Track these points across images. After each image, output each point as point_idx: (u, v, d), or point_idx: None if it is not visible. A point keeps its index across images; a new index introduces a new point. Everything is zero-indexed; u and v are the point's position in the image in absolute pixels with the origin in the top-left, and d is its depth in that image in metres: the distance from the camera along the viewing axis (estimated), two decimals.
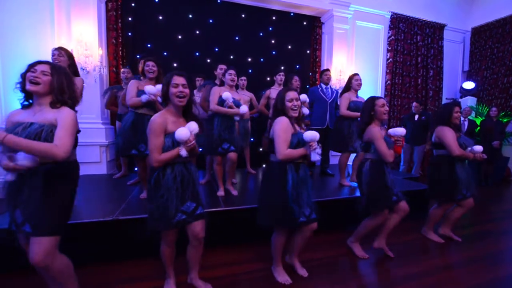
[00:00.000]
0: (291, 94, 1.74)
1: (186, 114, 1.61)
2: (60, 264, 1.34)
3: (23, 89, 1.33)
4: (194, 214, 1.56)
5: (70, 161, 1.42)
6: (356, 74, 3.29)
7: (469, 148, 2.42)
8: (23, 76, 1.32)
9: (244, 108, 2.77)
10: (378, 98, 2.14)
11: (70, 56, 2.41)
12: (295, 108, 1.74)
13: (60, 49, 2.38)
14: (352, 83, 3.24)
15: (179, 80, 1.50)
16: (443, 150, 2.44)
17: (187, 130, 1.47)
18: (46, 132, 1.26)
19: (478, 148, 2.40)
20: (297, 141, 1.72)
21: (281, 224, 1.79)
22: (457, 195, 2.42)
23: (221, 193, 2.79)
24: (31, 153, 1.20)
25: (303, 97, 3.05)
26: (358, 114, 3.01)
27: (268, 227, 1.85)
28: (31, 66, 1.32)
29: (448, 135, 2.36)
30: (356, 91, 3.27)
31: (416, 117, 4.83)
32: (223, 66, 3.49)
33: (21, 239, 1.38)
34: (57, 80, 1.34)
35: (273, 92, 3.74)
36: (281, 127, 1.70)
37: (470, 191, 2.45)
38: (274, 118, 1.78)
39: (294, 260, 2.03)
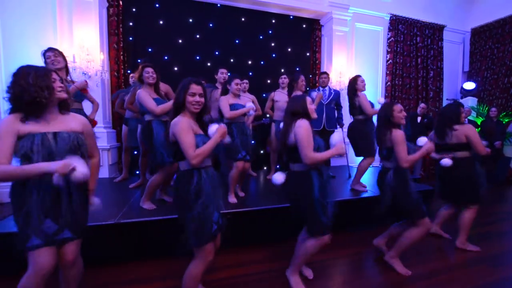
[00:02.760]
0: (309, 99, 1.79)
1: (199, 119, 1.60)
2: (80, 263, 1.47)
3: (47, 99, 1.22)
4: (220, 224, 1.56)
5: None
6: (359, 76, 3.20)
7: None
8: (51, 86, 1.23)
9: (250, 104, 2.77)
10: (396, 103, 2.10)
11: (64, 57, 2.46)
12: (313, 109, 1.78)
13: (54, 49, 2.42)
14: (358, 85, 3.13)
15: (196, 89, 1.50)
16: (465, 152, 2.39)
17: (217, 126, 1.52)
18: (77, 139, 1.32)
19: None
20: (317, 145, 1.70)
21: (319, 233, 1.73)
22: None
23: (233, 200, 2.73)
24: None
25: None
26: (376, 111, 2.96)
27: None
28: (50, 75, 1.25)
29: (476, 133, 2.33)
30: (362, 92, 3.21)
31: (419, 118, 4.79)
32: (224, 70, 3.52)
33: (44, 248, 1.27)
34: (66, 87, 1.36)
35: (277, 94, 3.75)
36: (305, 131, 1.65)
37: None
38: (290, 122, 1.73)
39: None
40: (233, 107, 2.73)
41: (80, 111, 2.65)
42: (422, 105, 4.82)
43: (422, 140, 2.08)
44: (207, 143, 1.46)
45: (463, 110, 2.42)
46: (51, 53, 2.39)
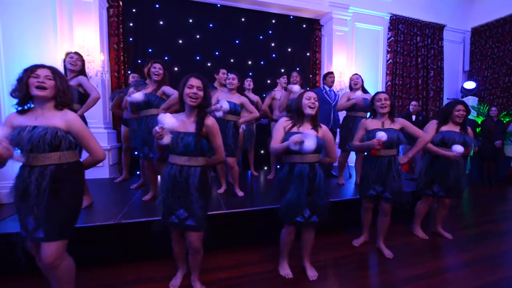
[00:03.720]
0: (310, 94, 1.83)
1: (199, 115, 1.58)
2: (66, 266, 1.40)
3: (24, 94, 1.32)
4: (185, 224, 1.60)
5: (72, 162, 1.40)
6: (355, 74, 3.44)
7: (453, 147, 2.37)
8: (24, 81, 1.31)
9: (223, 104, 2.65)
10: (378, 93, 2.27)
11: (83, 62, 2.56)
12: (312, 106, 1.80)
13: (77, 53, 2.50)
14: (350, 83, 3.44)
15: (194, 82, 1.53)
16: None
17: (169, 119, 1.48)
18: (51, 135, 1.29)
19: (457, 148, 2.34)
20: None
21: (280, 217, 1.87)
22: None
23: (220, 190, 2.97)
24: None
25: (296, 88, 2.99)
26: (349, 104, 3.23)
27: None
28: (31, 71, 1.32)
29: (429, 127, 2.53)
30: (356, 90, 3.37)
31: (414, 117, 4.78)
32: (225, 71, 3.53)
33: (29, 244, 1.40)
34: (60, 83, 1.37)
35: (277, 93, 3.76)
36: (277, 125, 1.84)
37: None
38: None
39: (304, 261, 2.05)
40: (218, 102, 2.71)
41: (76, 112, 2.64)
42: (414, 102, 4.83)
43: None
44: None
45: (458, 109, 2.42)
46: (75, 55, 2.47)
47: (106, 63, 4.03)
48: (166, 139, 1.46)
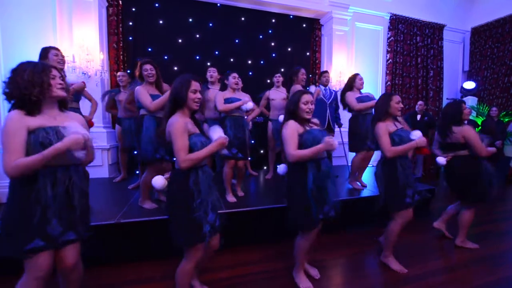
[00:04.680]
0: (307, 97, 1.74)
1: (193, 116, 1.60)
2: (81, 266, 1.41)
3: (48, 96, 1.24)
4: (215, 225, 1.52)
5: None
6: (358, 74, 3.29)
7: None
8: (47, 82, 1.22)
9: (246, 100, 2.69)
10: (394, 94, 2.12)
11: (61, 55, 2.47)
12: (309, 111, 1.74)
13: (58, 49, 2.41)
14: (356, 82, 3.21)
15: (197, 86, 1.50)
16: (465, 150, 2.35)
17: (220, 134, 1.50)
18: None
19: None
20: (311, 137, 1.69)
21: (305, 228, 1.75)
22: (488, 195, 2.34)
23: (232, 199, 2.73)
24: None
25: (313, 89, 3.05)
26: (372, 103, 2.98)
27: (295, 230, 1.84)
28: (50, 72, 1.24)
29: (474, 134, 2.28)
30: (359, 90, 3.26)
31: (419, 117, 4.80)
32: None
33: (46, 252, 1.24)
34: (66, 84, 1.38)
35: (272, 93, 3.75)
36: (289, 130, 1.71)
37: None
38: (284, 121, 1.80)
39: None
40: (229, 100, 2.68)
41: (77, 111, 2.60)
42: (420, 102, 4.83)
43: (416, 134, 2.03)
44: (201, 151, 1.42)
45: (465, 107, 2.39)
46: (59, 52, 2.38)
47: (106, 62, 4.01)
48: (224, 150, 1.53)
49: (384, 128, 2.01)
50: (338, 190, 3.19)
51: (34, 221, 1.16)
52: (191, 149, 1.43)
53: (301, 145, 1.69)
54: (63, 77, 1.35)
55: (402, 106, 2.09)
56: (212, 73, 3.35)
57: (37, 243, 1.17)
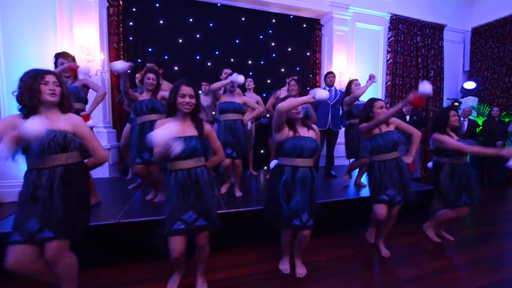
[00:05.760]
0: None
1: (194, 119, 1.64)
2: (67, 263, 1.43)
3: (38, 101, 1.34)
4: (194, 224, 1.58)
5: (77, 162, 1.46)
6: (355, 80, 3.34)
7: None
8: (36, 88, 1.32)
9: (235, 76, 2.75)
10: (377, 100, 2.19)
11: (73, 61, 2.54)
12: (299, 110, 1.81)
13: (67, 56, 2.48)
14: (352, 88, 3.27)
15: (186, 90, 1.54)
16: (441, 157, 2.41)
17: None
18: (61, 136, 1.35)
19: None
20: (292, 145, 1.77)
21: (275, 222, 1.87)
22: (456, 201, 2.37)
23: (223, 190, 2.92)
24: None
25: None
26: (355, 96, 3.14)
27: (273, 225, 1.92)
28: (41, 78, 1.34)
29: (445, 139, 2.31)
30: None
31: (408, 117, 4.74)
32: (228, 71, 3.50)
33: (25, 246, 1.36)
34: (65, 89, 1.45)
35: (283, 93, 3.72)
36: None
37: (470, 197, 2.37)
38: None
39: (295, 259, 2.06)
40: (225, 104, 2.79)
41: (81, 111, 2.56)
42: None
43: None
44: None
45: (453, 114, 2.37)
46: (64, 60, 2.45)
47: (106, 62, 4.02)
48: (179, 147, 1.36)
49: (366, 128, 2.16)
50: (338, 191, 3.18)
51: (15, 217, 1.35)
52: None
53: (282, 150, 1.82)
54: (61, 83, 1.41)
55: (385, 110, 2.15)
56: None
57: (14, 237, 1.33)
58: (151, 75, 2.55)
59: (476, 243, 2.51)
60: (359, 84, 3.28)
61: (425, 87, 1.94)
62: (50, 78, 1.37)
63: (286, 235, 1.95)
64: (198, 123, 1.63)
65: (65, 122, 1.42)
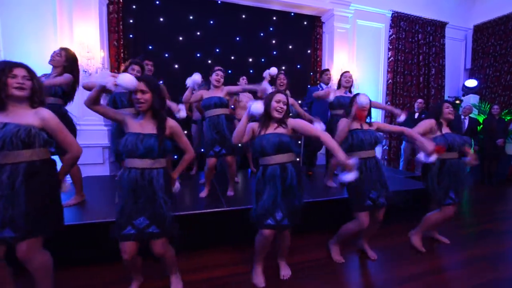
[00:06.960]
0: (279, 96, 1.75)
1: (157, 118, 1.54)
2: (40, 261, 1.39)
3: (6, 95, 1.30)
4: (145, 232, 1.49)
5: (44, 159, 1.39)
6: (346, 72, 3.23)
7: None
8: (3, 81, 1.28)
9: (189, 81, 2.60)
10: (362, 95, 2.10)
11: (69, 57, 2.36)
12: (280, 110, 1.73)
13: (61, 49, 2.37)
14: (342, 80, 3.19)
15: (139, 86, 1.46)
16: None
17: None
18: (25, 132, 1.28)
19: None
20: (257, 144, 1.74)
21: (253, 221, 1.77)
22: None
23: (203, 194, 2.73)
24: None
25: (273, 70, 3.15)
26: (323, 92, 3.10)
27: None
28: (9, 71, 1.30)
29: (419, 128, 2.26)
30: (346, 87, 3.19)
31: (416, 115, 4.75)
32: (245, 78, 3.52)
33: None
34: (37, 83, 1.39)
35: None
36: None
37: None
38: None
39: (278, 259, 2.03)
40: (205, 100, 2.69)
41: (54, 106, 2.23)
42: (419, 100, 4.76)
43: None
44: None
45: (447, 106, 2.31)
46: (56, 51, 2.35)
47: (106, 60, 4.01)
48: (111, 81, 1.39)
49: (344, 124, 2.08)
50: (336, 190, 3.16)
51: None
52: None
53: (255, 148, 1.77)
54: (32, 77, 1.37)
55: (365, 108, 2.08)
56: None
57: None
58: (136, 67, 2.41)
59: (475, 241, 2.51)
60: (348, 77, 3.16)
61: (362, 99, 2.01)
62: (19, 72, 1.32)
63: (260, 237, 1.76)
64: (159, 121, 1.52)
65: (33, 117, 1.35)
